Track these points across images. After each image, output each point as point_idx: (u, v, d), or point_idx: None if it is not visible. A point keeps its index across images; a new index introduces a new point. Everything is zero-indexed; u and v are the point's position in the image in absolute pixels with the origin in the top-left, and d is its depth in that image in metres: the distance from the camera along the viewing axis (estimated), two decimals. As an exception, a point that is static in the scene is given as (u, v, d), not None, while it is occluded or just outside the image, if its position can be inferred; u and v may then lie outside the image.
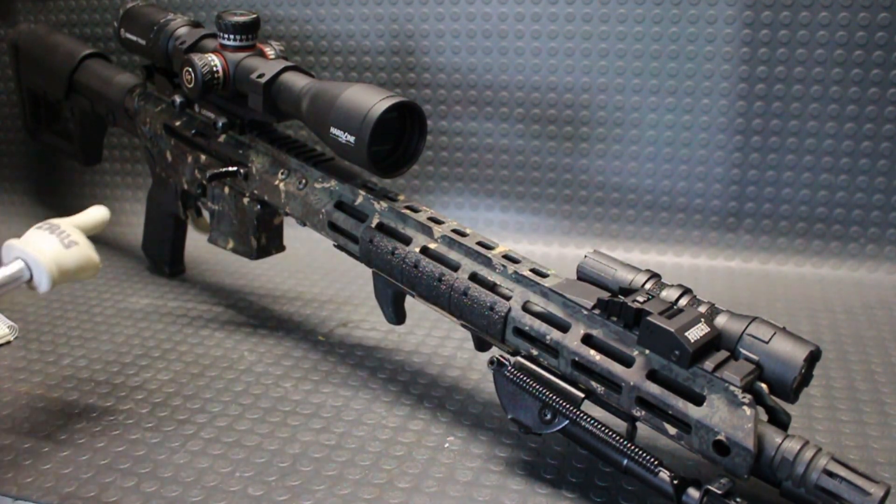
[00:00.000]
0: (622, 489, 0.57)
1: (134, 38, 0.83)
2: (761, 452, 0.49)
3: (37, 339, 0.81)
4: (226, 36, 0.73)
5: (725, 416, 0.49)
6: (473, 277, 0.60)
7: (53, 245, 0.60)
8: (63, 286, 0.93)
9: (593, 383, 0.54)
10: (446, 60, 1.02)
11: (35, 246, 0.59)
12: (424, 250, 0.63)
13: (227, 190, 0.80)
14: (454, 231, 0.63)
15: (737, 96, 0.94)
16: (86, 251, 0.61)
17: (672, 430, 0.51)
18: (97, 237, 1.13)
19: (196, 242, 0.97)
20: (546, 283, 0.58)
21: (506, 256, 0.61)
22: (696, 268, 0.99)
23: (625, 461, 0.52)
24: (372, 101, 0.62)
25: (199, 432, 0.64)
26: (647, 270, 0.56)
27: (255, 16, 0.73)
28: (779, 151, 0.95)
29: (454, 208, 1.07)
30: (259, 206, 0.77)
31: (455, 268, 0.61)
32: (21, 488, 0.58)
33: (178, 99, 0.80)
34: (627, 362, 0.53)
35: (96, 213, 0.66)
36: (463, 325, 0.62)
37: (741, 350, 0.51)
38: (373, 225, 0.66)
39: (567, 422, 0.54)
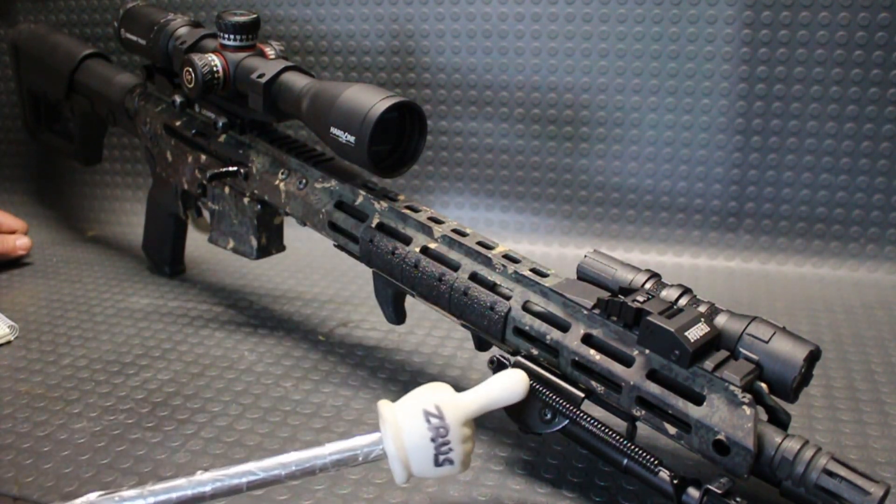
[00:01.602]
0: (622, 489, 0.57)
1: (134, 38, 0.83)
2: (761, 452, 0.49)
3: (37, 339, 0.81)
4: (226, 36, 0.73)
5: (725, 416, 0.49)
6: (473, 277, 0.60)
7: (424, 457, 0.48)
8: (63, 286, 0.94)
9: (593, 383, 0.54)
10: (446, 60, 1.02)
11: (403, 445, 0.48)
12: (424, 250, 0.63)
13: (227, 190, 0.80)
14: (454, 231, 0.63)
15: (737, 96, 0.94)
16: (458, 470, 0.49)
17: (672, 430, 0.51)
18: (98, 239, 1.14)
19: (196, 242, 0.97)
20: (546, 282, 0.58)
21: (506, 256, 0.61)
22: (696, 268, 0.99)
23: (625, 461, 0.52)
24: (372, 101, 0.62)
25: (200, 432, 0.64)
26: (647, 270, 0.56)
27: (255, 16, 0.73)
28: (779, 151, 0.95)
29: (454, 208, 1.07)
30: (259, 206, 0.77)
31: (455, 268, 0.61)
32: (21, 488, 0.58)
33: (178, 99, 0.80)
34: (627, 362, 0.53)
35: (509, 391, 0.52)
36: (463, 325, 0.62)
37: (741, 350, 0.51)
38: (373, 225, 0.66)
39: (567, 421, 0.54)
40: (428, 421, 0.48)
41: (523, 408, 0.56)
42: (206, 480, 0.47)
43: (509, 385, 0.51)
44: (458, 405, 0.49)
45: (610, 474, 0.59)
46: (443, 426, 0.48)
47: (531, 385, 0.55)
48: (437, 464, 0.48)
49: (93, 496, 0.46)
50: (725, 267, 0.99)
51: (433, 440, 0.48)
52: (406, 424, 0.48)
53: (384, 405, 0.49)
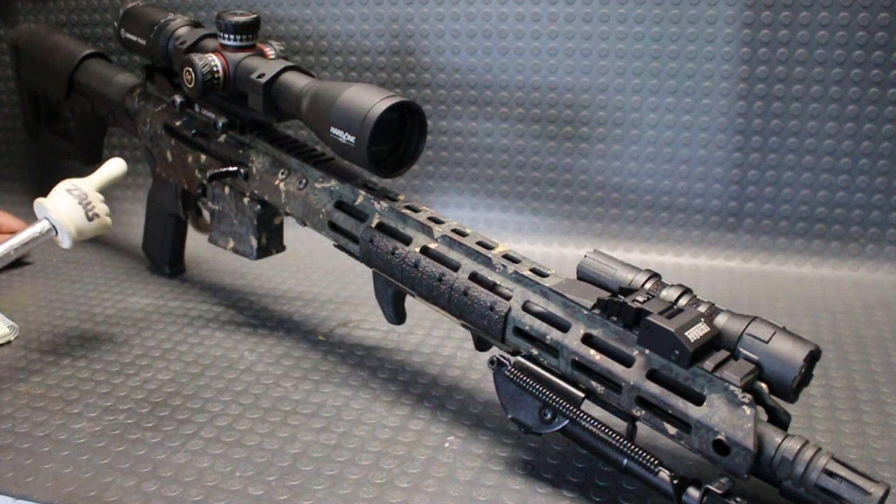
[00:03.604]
0: (622, 489, 0.57)
1: (134, 38, 0.83)
2: (761, 452, 0.49)
3: (37, 339, 0.81)
4: (226, 36, 0.73)
5: (725, 416, 0.49)
6: (473, 277, 0.60)
7: (78, 216, 0.71)
8: (63, 286, 0.94)
9: (593, 383, 0.54)
10: (446, 60, 1.02)
11: (62, 214, 0.70)
12: (425, 250, 0.63)
13: (227, 190, 0.80)
14: (454, 231, 0.63)
15: (737, 96, 0.94)
16: (104, 223, 0.73)
17: (672, 430, 0.51)
18: (98, 239, 1.14)
19: (196, 242, 0.97)
20: (546, 282, 0.58)
21: (506, 256, 0.61)
22: (696, 268, 0.99)
23: (625, 461, 0.52)
24: (372, 101, 0.62)
25: (199, 432, 0.64)
26: (647, 270, 0.56)
27: (255, 16, 0.73)
28: (779, 151, 0.95)
29: (454, 208, 1.07)
30: (259, 206, 0.77)
31: (455, 268, 0.61)
32: (21, 488, 0.58)
33: (178, 99, 0.80)
34: (627, 362, 0.53)
35: (113, 170, 0.76)
36: (463, 325, 0.62)
37: (741, 350, 0.51)
38: (373, 225, 0.66)
39: (567, 421, 0.54)
40: (71, 194, 0.72)
41: (523, 405, 0.56)
42: None
43: (111, 165, 0.76)
44: (87, 181, 0.73)
45: (610, 474, 0.59)
46: (82, 193, 0.72)
47: (527, 381, 0.55)
48: (89, 219, 0.72)
49: None
50: (725, 267, 0.99)
51: (80, 203, 0.71)
52: (58, 201, 0.71)
53: (38, 200, 0.72)
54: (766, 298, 0.91)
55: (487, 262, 0.60)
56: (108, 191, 1.22)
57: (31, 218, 1.13)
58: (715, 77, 0.94)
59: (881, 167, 0.93)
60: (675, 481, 0.50)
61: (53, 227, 0.71)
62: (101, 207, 0.73)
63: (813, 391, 0.70)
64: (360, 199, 0.68)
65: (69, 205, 0.71)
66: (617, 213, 1.02)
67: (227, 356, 0.77)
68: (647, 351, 0.52)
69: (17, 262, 1.02)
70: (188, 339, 0.80)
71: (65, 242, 0.71)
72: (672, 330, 0.50)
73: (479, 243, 0.62)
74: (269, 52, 0.73)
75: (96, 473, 0.59)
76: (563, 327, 0.56)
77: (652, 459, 0.51)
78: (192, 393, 0.70)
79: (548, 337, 0.56)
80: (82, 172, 1.17)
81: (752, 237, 0.99)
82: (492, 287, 0.60)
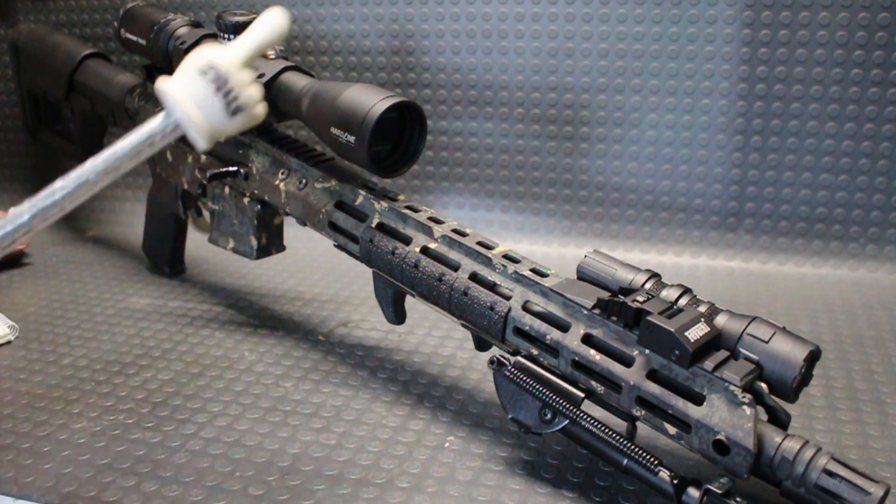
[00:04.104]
0: (622, 489, 0.57)
1: (134, 38, 0.83)
2: (761, 452, 0.49)
3: (37, 339, 0.81)
4: (226, 36, 0.73)
5: (725, 416, 0.49)
6: (474, 277, 0.60)
7: (215, 111, 0.48)
8: (63, 286, 0.94)
9: (593, 383, 0.54)
10: (446, 60, 1.02)
11: (195, 110, 0.48)
12: (425, 250, 0.63)
13: (227, 190, 0.80)
14: (454, 231, 0.63)
15: (737, 96, 0.94)
16: (252, 116, 0.50)
17: (672, 430, 0.51)
18: (98, 239, 1.14)
19: (196, 242, 0.97)
20: (546, 282, 0.58)
21: (506, 256, 0.61)
22: (696, 268, 0.99)
23: (625, 461, 0.52)
24: (372, 101, 0.62)
25: (200, 432, 0.64)
26: (647, 270, 0.56)
27: (255, 16, 0.73)
28: (779, 151, 0.95)
29: (454, 208, 1.07)
30: (259, 206, 0.77)
31: (455, 268, 0.61)
32: (21, 488, 0.58)
33: (178, 99, 0.80)
34: (627, 362, 0.53)
35: (271, 32, 0.51)
36: (463, 325, 0.62)
37: (741, 350, 0.51)
38: (373, 225, 0.66)
39: (567, 421, 0.54)
40: (205, 75, 0.48)
41: (523, 405, 0.56)
42: (22, 211, 0.47)
43: (269, 22, 0.51)
44: (228, 53, 0.49)
45: (610, 474, 0.59)
46: (220, 75, 0.48)
47: (527, 381, 0.55)
48: (231, 113, 0.48)
49: None
50: (725, 267, 0.99)
51: (217, 90, 0.48)
52: (185, 88, 0.48)
53: (159, 82, 0.49)
54: (766, 298, 0.91)
55: (487, 262, 0.60)
56: (109, 191, 1.22)
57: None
58: (715, 77, 0.94)
59: (881, 167, 0.93)
60: (675, 481, 0.50)
61: (183, 127, 0.49)
62: (248, 94, 0.49)
63: (813, 391, 0.70)
64: (360, 199, 0.68)
65: (202, 93, 0.48)
66: (617, 213, 1.02)
67: (228, 356, 0.77)
68: (647, 351, 0.52)
69: (17, 262, 1.02)
70: (188, 339, 0.80)
71: (199, 143, 0.49)
72: (672, 330, 0.50)
73: (479, 243, 0.62)
74: (269, 52, 0.73)
75: (96, 473, 0.59)
76: (563, 327, 0.56)
77: (652, 459, 0.51)
78: (193, 393, 0.70)
79: (548, 337, 0.56)
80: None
81: (752, 237, 0.99)
82: (492, 287, 0.60)
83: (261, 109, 0.50)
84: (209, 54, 0.48)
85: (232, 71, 0.48)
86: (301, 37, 1.06)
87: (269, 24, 0.51)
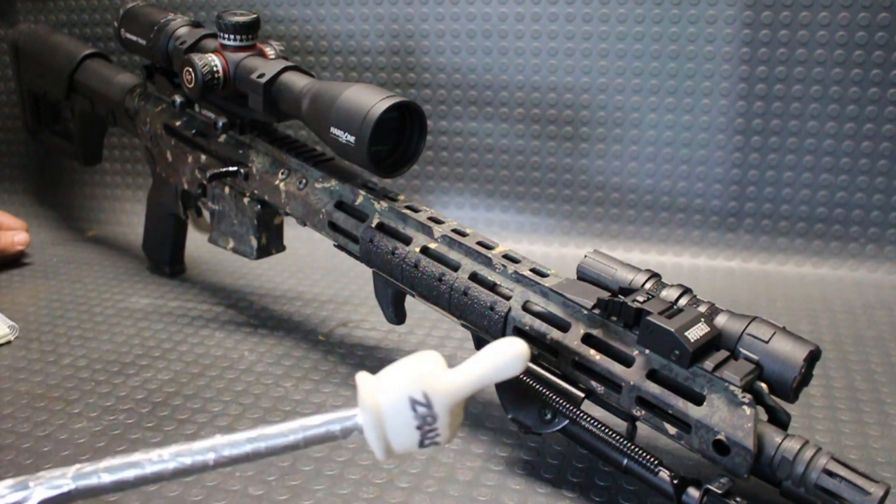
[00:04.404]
0: (622, 489, 0.57)
1: (134, 38, 0.83)
2: (761, 452, 0.49)
3: (37, 339, 0.81)
4: (226, 36, 0.73)
5: (725, 416, 0.49)
6: (473, 277, 0.60)
7: (407, 442, 0.43)
8: (63, 286, 0.94)
9: (593, 383, 0.54)
10: (446, 60, 1.02)
11: (384, 431, 0.43)
12: (425, 250, 0.63)
13: (227, 190, 0.80)
14: (454, 231, 0.63)
15: (737, 96, 0.94)
16: (440, 446, 0.45)
17: (672, 430, 0.51)
18: (98, 239, 1.14)
19: (196, 242, 0.97)
20: (546, 282, 0.58)
21: (506, 256, 0.61)
22: (696, 268, 0.99)
23: (625, 461, 0.52)
24: (372, 101, 0.62)
25: (200, 432, 0.64)
26: (647, 270, 0.56)
27: (255, 16, 0.73)
28: (779, 151, 0.95)
29: (454, 208, 1.07)
30: (259, 206, 0.77)
31: (455, 267, 0.61)
32: (21, 488, 0.58)
33: (178, 99, 0.80)
34: (627, 362, 0.53)
35: (506, 366, 0.43)
36: (463, 325, 0.62)
37: (741, 350, 0.51)
38: (373, 225, 0.66)
39: (567, 421, 0.54)
40: (414, 410, 0.42)
41: (523, 404, 0.56)
42: (167, 457, 0.42)
43: (505, 357, 0.43)
44: (449, 390, 0.43)
45: (610, 474, 0.59)
46: (430, 415, 0.43)
47: (527, 381, 0.55)
48: (422, 446, 0.44)
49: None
50: (725, 267, 0.99)
51: (419, 428, 0.43)
52: (390, 415, 0.43)
53: (364, 383, 0.43)
54: (766, 298, 0.91)
55: (487, 262, 0.60)
56: (109, 191, 1.22)
57: (30, 218, 1.14)
58: (715, 77, 0.94)
59: (881, 167, 0.93)
60: (675, 481, 0.50)
61: (361, 432, 0.44)
62: (449, 434, 0.43)
63: (813, 391, 0.70)
64: (360, 199, 0.68)
65: (401, 424, 0.42)
66: (617, 213, 1.02)
67: (228, 356, 0.77)
68: (647, 351, 0.52)
69: (17, 262, 1.02)
70: (188, 339, 0.80)
71: (377, 454, 0.44)
72: (672, 330, 0.50)
73: (479, 243, 0.62)
74: (269, 52, 0.73)
75: (96, 473, 0.59)
76: (563, 327, 0.56)
77: (652, 459, 0.51)
78: (193, 393, 0.70)
79: (548, 337, 0.56)
80: (81, 173, 1.19)
81: (752, 237, 0.99)
82: (492, 287, 0.60)
83: (455, 436, 0.45)
84: (428, 382, 0.42)
85: (443, 409, 0.43)
86: (301, 37, 1.06)
87: (502, 360, 0.43)
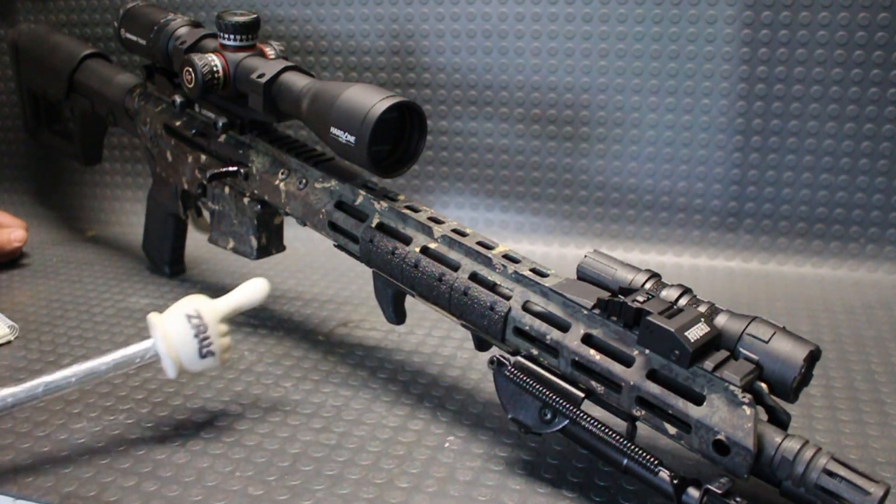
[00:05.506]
0: (622, 489, 0.57)
1: (134, 38, 0.83)
2: (761, 452, 0.49)
3: (37, 339, 0.81)
4: (226, 36, 0.73)
5: (725, 416, 0.49)
6: (473, 277, 0.60)
7: (189, 351, 0.59)
8: (63, 286, 0.94)
9: (593, 383, 0.54)
10: (446, 60, 1.02)
11: (171, 344, 0.59)
12: (424, 250, 0.63)
13: (227, 190, 0.80)
14: (454, 231, 0.63)
15: (737, 96, 0.94)
16: (219, 361, 0.60)
17: (672, 430, 0.51)
18: (98, 239, 1.14)
19: (196, 242, 0.97)
20: (546, 282, 0.58)
21: (506, 256, 0.61)
22: (696, 268, 0.99)
23: (625, 461, 0.52)
24: (372, 101, 0.62)
25: (199, 432, 0.64)
26: (647, 270, 0.56)
27: (255, 16, 0.73)
28: (779, 151, 0.95)
29: (454, 208, 1.07)
30: (259, 206, 0.77)
31: (455, 267, 0.61)
32: (21, 488, 0.58)
33: (178, 99, 0.80)
34: (627, 362, 0.53)
35: (253, 295, 0.62)
36: (463, 325, 0.62)
37: (741, 350, 0.51)
38: (373, 225, 0.66)
39: (567, 421, 0.54)
40: (189, 321, 0.59)
41: (523, 405, 0.56)
42: (5, 395, 0.57)
43: (252, 289, 0.62)
44: (213, 307, 0.60)
45: (610, 474, 0.59)
46: (202, 324, 0.59)
47: (527, 381, 0.55)
48: (202, 356, 0.59)
49: None
50: (725, 267, 0.99)
51: (196, 336, 0.59)
52: (172, 326, 0.59)
53: (152, 316, 0.60)
54: (766, 298, 0.91)
55: (487, 262, 0.60)
56: (109, 191, 1.22)
57: (30, 218, 1.14)
58: (715, 77, 0.94)
59: (881, 167, 0.93)
60: (675, 481, 0.50)
61: (158, 354, 0.60)
62: (220, 343, 0.60)
63: (813, 391, 0.70)
64: (360, 199, 0.68)
65: (182, 335, 0.59)
66: (617, 213, 1.02)
67: (227, 356, 0.77)
68: (647, 351, 0.52)
69: (17, 262, 1.02)
70: (188, 339, 0.80)
71: (168, 372, 0.60)
72: (672, 330, 0.50)
73: (479, 243, 0.62)
74: (269, 52, 0.73)
75: (96, 473, 0.59)
76: (563, 327, 0.56)
77: (652, 459, 0.51)
78: (192, 393, 0.70)
79: (548, 337, 0.56)
80: (81, 173, 1.19)
81: (752, 237, 0.99)
82: (492, 287, 0.60)
83: (227, 357, 0.61)
84: (198, 304, 0.60)
85: (212, 321, 0.60)
86: (301, 37, 1.06)
87: (251, 291, 0.62)
